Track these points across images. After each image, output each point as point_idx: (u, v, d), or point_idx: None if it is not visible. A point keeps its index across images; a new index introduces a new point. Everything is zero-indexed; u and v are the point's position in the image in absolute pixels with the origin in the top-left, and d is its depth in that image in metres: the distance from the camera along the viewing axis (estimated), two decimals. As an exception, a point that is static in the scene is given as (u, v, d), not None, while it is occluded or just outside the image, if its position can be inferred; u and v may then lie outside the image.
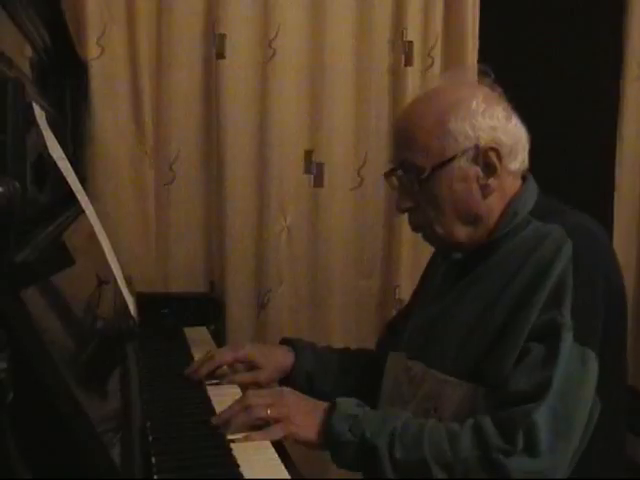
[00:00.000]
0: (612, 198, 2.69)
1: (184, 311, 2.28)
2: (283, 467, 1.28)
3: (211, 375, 1.71)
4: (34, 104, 1.38)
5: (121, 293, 1.59)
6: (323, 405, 1.44)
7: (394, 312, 2.48)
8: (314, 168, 2.48)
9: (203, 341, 2.07)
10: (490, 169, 1.49)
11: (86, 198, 1.53)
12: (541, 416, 1.28)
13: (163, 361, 1.89)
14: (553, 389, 1.29)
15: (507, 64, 2.57)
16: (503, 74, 2.51)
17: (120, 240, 2.29)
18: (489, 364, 1.39)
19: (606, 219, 2.66)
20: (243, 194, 2.42)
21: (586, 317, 1.35)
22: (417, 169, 1.50)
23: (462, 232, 1.53)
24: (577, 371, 1.32)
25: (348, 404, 1.43)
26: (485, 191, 1.50)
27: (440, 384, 1.46)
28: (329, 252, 2.50)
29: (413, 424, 1.37)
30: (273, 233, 2.44)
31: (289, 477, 1.24)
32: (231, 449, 1.31)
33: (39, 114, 1.44)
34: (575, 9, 2.67)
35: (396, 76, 2.50)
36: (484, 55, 2.52)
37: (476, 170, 1.49)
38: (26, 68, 1.57)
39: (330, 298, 2.52)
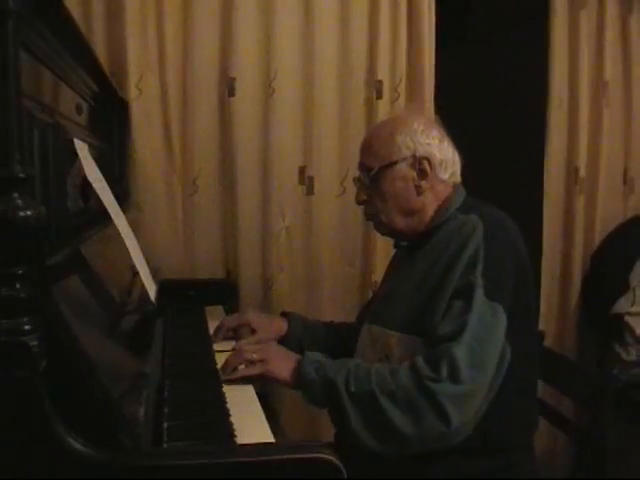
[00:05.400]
0: (542, 202, 2.71)
1: (205, 293, 2.33)
2: (258, 402, 1.37)
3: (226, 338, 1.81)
4: (75, 140, 1.43)
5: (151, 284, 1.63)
6: (297, 355, 1.52)
7: (370, 292, 2.52)
8: (306, 180, 2.50)
9: (217, 316, 2.11)
10: (423, 173, 1.58)
11: (118, 209, 1.57)
12: (459, 351, 1.33)
13: (186, 332, 1.94)
14: (468, 331, 1.35)
15: (458, 96, 2.62)
16: (454, 103, 2.56)
17: (155, 239, 2.36)
18: (424, 319, 1.45)
19: (537, 218, 2.68)
20: (251, 202, 2.44)
21: (495, 278, 1.41)
22: (369, 169, 1.59)
23: (401, 222, 1.60)
24: (488, 319, 1.37)
25: (315, 354, 1.50)
26: (418, 190, 1.58)
27: (389, 338, 1.53)
28: (320, 246, 2.52)
29: (365, 365, 1.43)
30: (275, 231, 2.46)
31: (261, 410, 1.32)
32: (226, 401, 1.36)
33: (80, 147, 1.49)
34: (507, 56, 2.69)
35: (370, 107, 2.51)
36: (439, 90, 2.54)
37: (412, 174, 1.58)
38: (72, 113, 1.61)
39: (321, 282, 2.54)
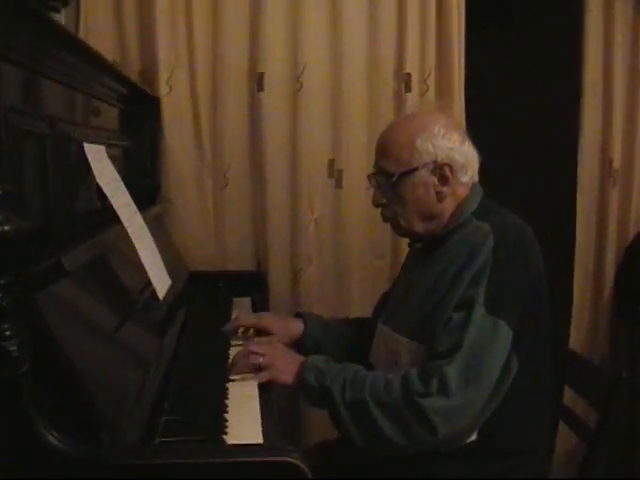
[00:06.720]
0: (575, 193, 2.65)
1: (235, 285, 2.37)
2: (258, 398, 1.41)
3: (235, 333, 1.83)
4: (85, 144, 1.48)
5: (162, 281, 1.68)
6: (301, 359, 1.54)
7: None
8: (336, 173, 2.51)
9: (244, 308, 2.17)
10: (444, 180, 1.55)
11: (132, 210, 1.61)
12: (452, 367, 1.34)
13: (206, 324, 1.97)
14: (464, 348, 1.35)
15: (491, 83, 2.58)
16: (487, 91, 2.52)
17: (186, 231, 2.43)
18: (428, 328, 1.45)
19: (570, 210, 2.63)
20: (280, 194, 2.47)
21: (499, 294, 1.39)
22: (389, 174, 1.56)
23: (420, 226, 1.59)
24: (487, 335, 1.37)
25: (317, 360, 1.52)
26: (439, 196, 1.56)
27: (399, 343, 1.54)
28: (348, 238, 2.53)
29: (361, 374, 1.45)
30: (304, 224, 2.49)
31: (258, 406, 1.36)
32: (227, 397, 1.41)
33: (93, 150, 1.53)
34: (539, 46, 2.63)
35: (399, 100, 2.50)
36: (472, 77, 2.51)
37: (433, 179, 1.55)
38: (89, 118, 1.66)
39: (350, 274, 2.54)
